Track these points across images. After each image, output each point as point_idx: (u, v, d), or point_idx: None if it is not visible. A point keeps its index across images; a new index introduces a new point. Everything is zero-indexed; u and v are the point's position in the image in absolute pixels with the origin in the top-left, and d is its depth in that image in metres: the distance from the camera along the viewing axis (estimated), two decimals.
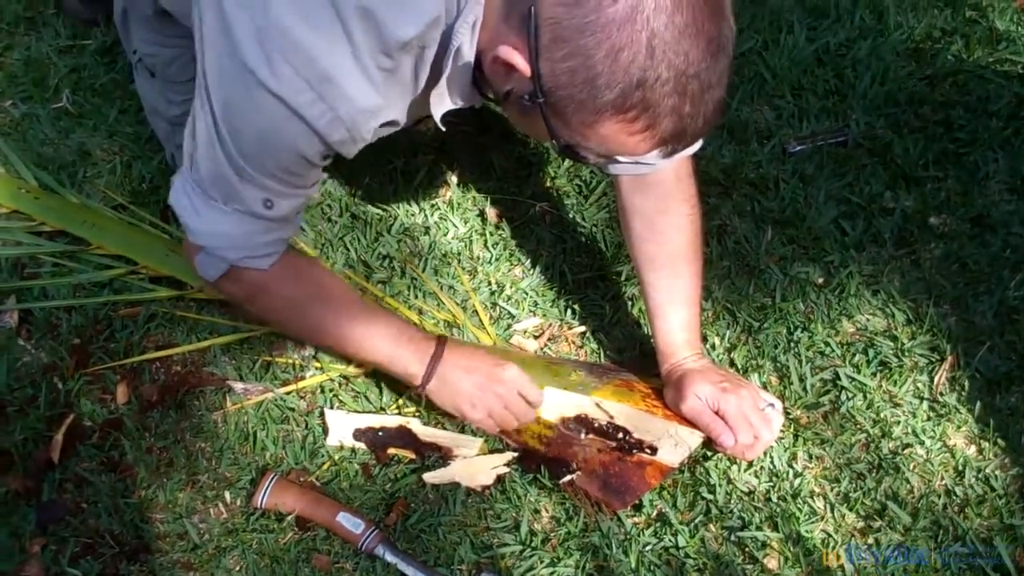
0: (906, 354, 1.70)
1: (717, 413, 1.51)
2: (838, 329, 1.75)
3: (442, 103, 1.31)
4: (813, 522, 1.52)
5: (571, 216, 1.91)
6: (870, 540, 1.51)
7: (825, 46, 2.18)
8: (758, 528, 1.51)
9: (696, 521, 1.52)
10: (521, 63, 1.14)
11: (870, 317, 1.77)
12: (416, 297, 1.79)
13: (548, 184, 1.96)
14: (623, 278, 1.82)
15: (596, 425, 1.57)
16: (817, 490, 1.56)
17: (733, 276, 1.82)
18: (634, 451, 1.54)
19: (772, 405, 1.54)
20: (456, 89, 1.29)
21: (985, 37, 2.22)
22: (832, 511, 1.53)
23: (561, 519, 1.52)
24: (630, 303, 1.79)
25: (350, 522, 1.50)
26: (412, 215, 1.89)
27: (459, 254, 1.85)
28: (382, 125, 1.31)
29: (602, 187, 1.93)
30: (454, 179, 1.95)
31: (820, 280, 1.82)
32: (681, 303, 1.56)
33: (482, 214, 1.90)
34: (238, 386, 1.67)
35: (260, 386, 1.68)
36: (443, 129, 1.34)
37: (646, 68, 1.07)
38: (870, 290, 1.80)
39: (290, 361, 1.70)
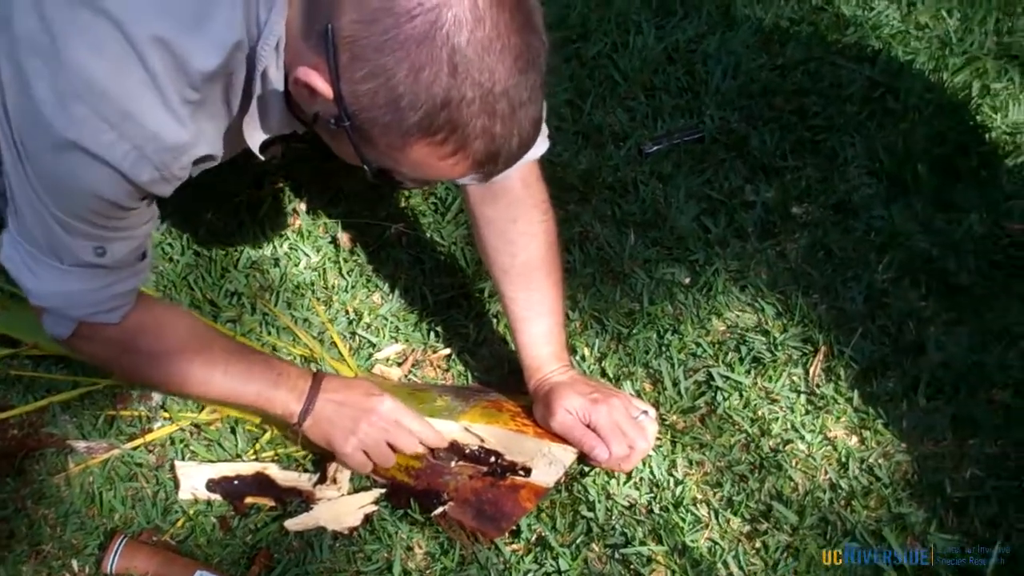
0: (779, 348, 1.66)
1: (589, 426, 1.44)
2: (708, 328, 1.70)
3: (255, 131, 1.22)
4: (698, 531, 1.46)
5: (428, 236, 1.83)
6: (757, 544, 1.45)
7: (675, 44, 2.14)
8: (642, 543, 1.44)
9: (577, 542, 1.44)
10: (322, 85, 1.06)
11: (740, 313, 1.72)
12: (269, 333, 1.69)
13: (402, 204, 1.88)
14: (486, 295, 1.74)
15: (467, 451, 1.49)
16: (700, 497, 1.50)
17: (598, 283, 1.76)
18: (507, 474, 1.46)
19: (645, 412, 1.48)
20: (272, 114, 1.21)
21: (832, 23, 2.22)
22: (716, 517, 1.48)
23: (436, 554, 1.44)
24: (495, 320, 1.71)
25: None
26: (260, 247, 1.79)
27: (312, 284, 1.76)
28: (196, 161, 1.21)
29: (458, 203, 1.86)
30: (302, 207, 1.86)
31: (687, 280, 1.77)
32: (542, 314, 1.49)
33: (334, 240, 1.81)
34: (80, 445, 1.55)
35: (104, 443, 1.56)
36: (262, 159, 1.26)
37: (450, 88, 1.00)
38: (738, 286, 1.75)
39: (136, 413, 1.58)
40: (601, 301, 1.74)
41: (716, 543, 1.45)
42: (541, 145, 1.47)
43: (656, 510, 1.48)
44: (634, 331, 1.69)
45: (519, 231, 1.48)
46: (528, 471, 1.46)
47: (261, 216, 1.82)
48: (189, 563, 1.42)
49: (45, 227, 1.21)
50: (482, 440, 1.49)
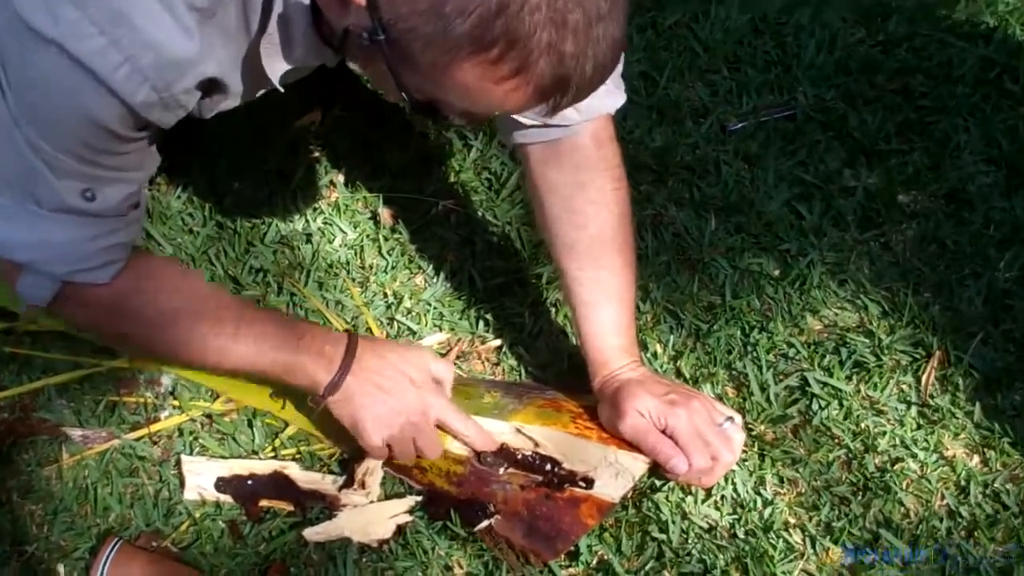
0: (885, 352, 1.43)
1: (665, 432, 1.22)
2: (802, 327, 1.47)
3: (276, 59, 1.02)
4: (791, 560, 1.23)
5: (480, 214, 1.62)
6: None
7: (762, 15, 1.92)
8: (724, 572, 1.21)
9: (647, 568, 1.22)
10: None
11: (839, 311, 1.49)
12: (296, 316, 1.48)
13: (452, 179, 1.67)
14: (544, 281, 1.53)
15: (518, 456, 1.27)
16: (793, 521, 1.27)
17: (673, 273, 1.54)
18: (565, 485, 1.24)
19: (731, 419, 1.25)
20: (295, 38, 1.01)
21: None
22: (813, 545, 1.25)
23: None
24: (553, 309, 1.49)
25: None
26: (291, 221, 1.58)
27: (348, 263, 1.55)
28: (206, 90, 1.01)
29: (515, 179, 1.65)
30: (340, 178, 1.65)
31: (776, 272, 1.54)
32: (611, 299, 1.27)
33: (375, 216, 1.61)
34: (76, 434, 1.35)
35: (104, 432, 1.36)
36: (281, 90, 1.05)
37: None
38: (836, 280, 1.53)
39: (141, 400, 1.38)
40: (676, 292, 1.51)
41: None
42: (616, 96, 1.26)
43: (741, 535, 1.25)
44: (714, 327, 1.46)
45: (588, 199, 1.26)
46: (590, 482, 1.23)
47: (294, 187, 1.62)
48: (192, 574, 1.21)
49: (25, 164, 1.01)
50: (537, 444, 1.27)
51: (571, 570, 1.23)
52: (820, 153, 1.70)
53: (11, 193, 1.04)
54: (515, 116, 1.18)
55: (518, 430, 1.28)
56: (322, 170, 1.66)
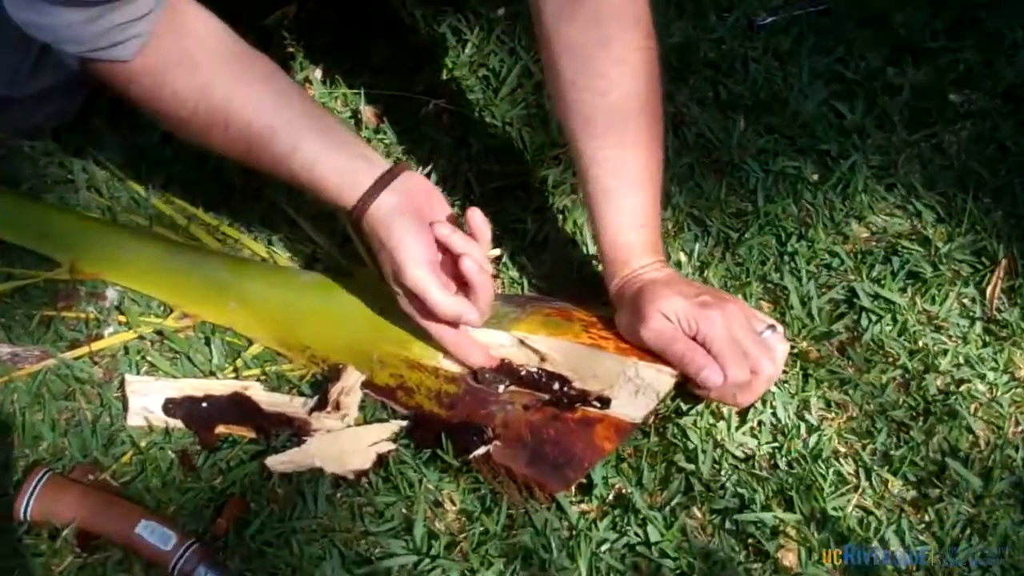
0: (943, 261, 1.24)
1: (695, 339, 1.02)
2: (847, 234, 1.28)
3: None
4: (843, 494, 1.03)
5: (476, 114, 1.43)
6: (928, 516, 1.03)
7: None
8: (764, 507, 1.02)
9: (673, 504, 1.02)
10: None
11: (888, 218, 1.30)
12: (266, 224, 1.29)
13: (444, 77, 1.48)
14: (550, 185, 1.33)
15: (522, 372, 1.08)
16: (843, 449, 1.08)
17: (697, 177, 1.35)
18: (576, 405, 1.04)
19: (772, 327, 1.06)
20: None
21: None
22: (869, 477, 1.05)
23: (474, 513, 1.02)
24: (561, 216, 1.30)
25: (155, 534, 0.99)
26: None
27: None
28: None
29: (515, 75, 1.45)
30: (317, 74, 1.46)
31: (815, 176, 1.35)
32: (635, 185, 1.08)
33: (356, 115, 1.42)
34: (4, 351, 1.16)
35: (37, 350, 1.17)
36: None
37: None
38: (883, 184, 1.34)
39: (82, 316, 1.19)
40: (701, 199, 1.32)
41: (870, 512, 1.03)
42: None
43: (783, 465, 1.06)
44: (746, 235, 1.27)
45: (611, 58, 1.06)
46: (606, 402, 1.04)
47: None
48: (132, 510, 1.01)
49: None
50: (543, 358, 1.08)
51: (583, 505, 1.03)
52: (859, 50, 1.51)
53: None
54: None
55: (522, 342, 1.08)
56: (297, 66, 1.47)
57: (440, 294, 1.02)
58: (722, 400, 1.05)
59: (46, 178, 1.35)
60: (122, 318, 1.20)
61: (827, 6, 1.56)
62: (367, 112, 1.41)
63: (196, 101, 1.05)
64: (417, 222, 1.03)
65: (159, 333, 1.18)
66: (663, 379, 1.04)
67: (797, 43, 1.51)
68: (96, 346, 1.17)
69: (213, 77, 1.05)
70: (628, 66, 1.07)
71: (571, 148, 1.12)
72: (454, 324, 1.06)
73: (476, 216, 1.05)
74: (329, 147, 1.05)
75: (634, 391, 1.04)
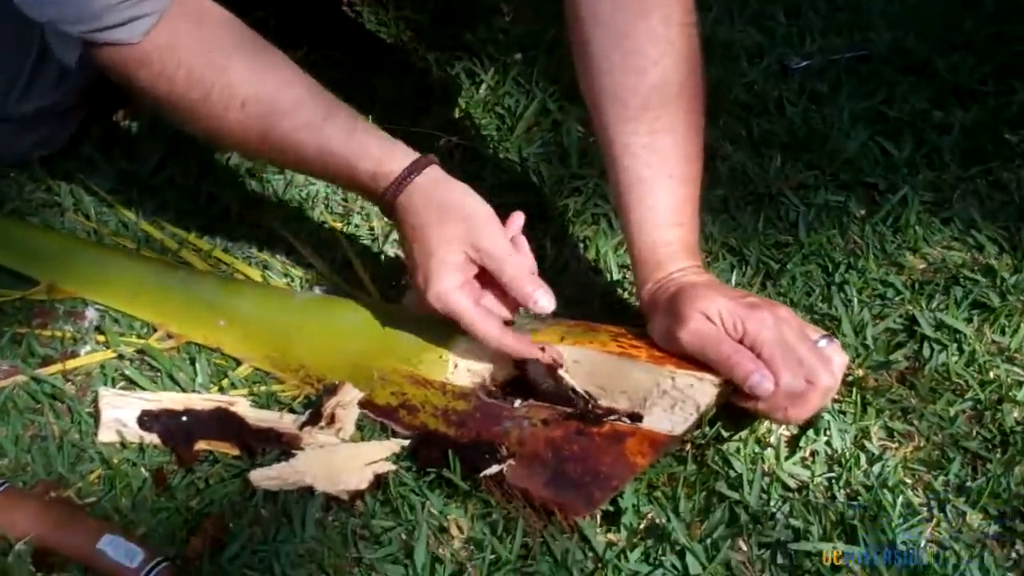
0: (1011, 291, 1.12)
1: (742, 343, 0.90)
2: (901, 264, 1.17)
3: None
4: (913, 526, 0.89)
5: (490, 150, 1.34)
6: (1015, 553, 0.88)
7: None
8: (823, 539, 0.88)
9: (715, 536, 0.88)
10: None
11: (945, 250, 1.19)
12: (262, 250, 1.19)
13: (457, 115, 1.40)
14: (571, 213, 1.23)
15: (541, 385, 0.95)
16: (910, 481, 0.94)
17: (732, 209, 1.25)
18: (604, 420, 0.91)
19: (828, 337, 0.93)
20: None
21: None
22: (943, 509, 0.91)
23: (483, 540, 0.88)
24: (583, 245, 1.20)
25: (120, 550, 0.85)
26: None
27: (327, 197, 1.26)
28: None
29: (532, 113, 1.38)
30: None
31: (862, 211, 1.25)
32: (673, 175, 0.97)
33: None
34: None
35: (5, 364, 1.05)
36: None
37: None
38: (938, 218, 1.23)
39: (59, 334, 1.08)
40: (737, 230, 1.22)
41: (947, 547, 0.88)
42: None
43: (840, 496, 0.92)
44: (788, 266, 1.16)
45: (650, 33, 0.96)
46: (637, 419, 0.91)
47: None
48: (93, 525, 0.88)
49: None
50: (565, 372, 0.95)
51: (610, 535, 0.89)
52: (903, 93, 1.42)
53: None
54: None
55: (542, 349, 0.96)
56: None
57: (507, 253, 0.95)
58: (771, 414, 0.91)
59: (31, 201, 1.26)
60: (101, 337, 1.09)
61: (867, 52, 1.48)
62: None
63: (212, 81, 0.98)
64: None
65: (140, 352, 1.06)
66: (704, 388, 0.91)
67: (835, 87, 1.43)
68: (71, 364, 1.06)
69: (232, 54, 0.99)
70: (669, 44, 0.97)
71: (600, 136, 1.01)
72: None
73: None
74: (364, 121, 1.00)
75: (670, 405, 0.91)
